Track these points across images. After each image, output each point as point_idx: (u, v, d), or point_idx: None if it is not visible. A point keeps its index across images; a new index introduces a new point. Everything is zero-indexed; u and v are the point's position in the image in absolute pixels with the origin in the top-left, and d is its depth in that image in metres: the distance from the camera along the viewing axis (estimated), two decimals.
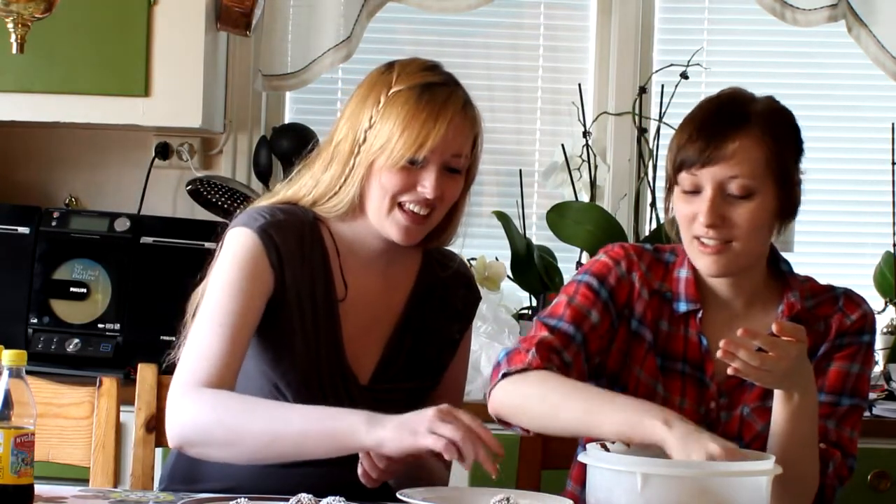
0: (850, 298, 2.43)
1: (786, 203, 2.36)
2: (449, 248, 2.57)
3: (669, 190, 2.39)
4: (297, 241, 2.39)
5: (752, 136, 2.31)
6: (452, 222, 2.49)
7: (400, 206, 2.36)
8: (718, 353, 2.12)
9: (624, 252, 2.43)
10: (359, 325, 2.42)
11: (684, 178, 2.32)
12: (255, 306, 2.33)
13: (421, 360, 2.47)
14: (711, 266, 2.32)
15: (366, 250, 2.44)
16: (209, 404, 2.25)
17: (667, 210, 2.43)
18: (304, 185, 2.44)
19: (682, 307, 2.39)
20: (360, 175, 2.37)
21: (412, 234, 2.38)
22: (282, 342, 2.38)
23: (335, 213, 2.41)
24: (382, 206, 2.37)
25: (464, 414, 2.14)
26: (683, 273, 2.40)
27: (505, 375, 2.31)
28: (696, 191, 2.32)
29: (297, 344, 2.37)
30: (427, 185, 2.34)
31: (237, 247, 2.36)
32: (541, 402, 2.25)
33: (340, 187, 2.39)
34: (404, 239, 2.37)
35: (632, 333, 2.39)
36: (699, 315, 2.38)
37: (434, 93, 2.35)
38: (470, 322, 2.57)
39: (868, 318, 2.42)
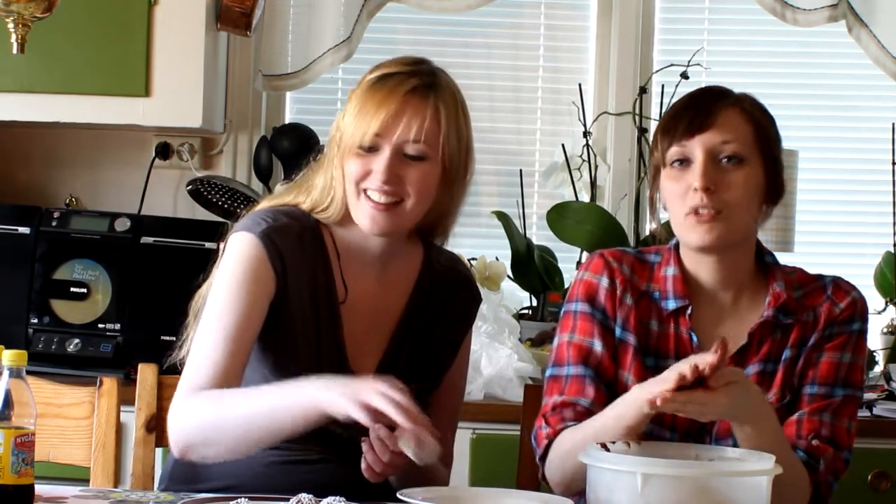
0: (838, 286, 2.43)
1: (772, 183, 2.39)
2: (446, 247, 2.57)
3: (654, 180, 2.41)
4: (299, 245, 2.39)
5: (737, 109, 2.38)
6: (446, 217, 2.48)
7: (365, 193, 2.37)
8: (647, 408, 2.15)
9: (603, 262, 2.45)
10: (359, 326, 2.43)
11: (674, 152, 2.36)
12: (257, 310, 2.34)
13: (422, 361, 2.48)
14: (705, 235, 2.33)
15: (364, 252, 2.44)
16: (194, 408, 2.27)
17: (652, 201, 2.44)
18: (302, 190, 2.46)
19: (671, 305, 2.39)
20: (340, 173, 2.39)
21: (379, 223, 2.37)
22: (284, 345, 2.38)
23: (332, 220, 2.42)
24: (352, 197, 2.39)
25: (403, 396, 2.12)
26: (671, 271, 2.41)
27: (542, 460, 2.38)
28: (686, 163, 2.34)
29: (299, 347, 2.38)
30: (376, 170, 2.34)
31: (240, 251, 2.37)
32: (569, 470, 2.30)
33: (331, 192, 2.41)
34: (371, 228, 2.37)
35: (617, 340, 2.41)
36: (688, 312, 2.39)
37: (386, 81, 2.37)
38: (471, 324, 2.57)
39: (857, 305, 2.42)
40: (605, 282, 2.43)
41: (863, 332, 2.42)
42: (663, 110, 3.88)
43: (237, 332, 2.31)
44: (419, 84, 2.37)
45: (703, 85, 3.91)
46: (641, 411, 2.20)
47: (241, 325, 2.32)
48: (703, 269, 2.40)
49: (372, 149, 2.35)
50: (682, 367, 2.13)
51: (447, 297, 2.52)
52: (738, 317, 2.40)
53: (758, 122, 2.38)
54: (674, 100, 3.79)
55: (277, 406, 2.22)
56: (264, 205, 2.48)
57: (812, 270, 2.50)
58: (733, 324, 2.39)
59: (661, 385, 2.14)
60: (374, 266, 2.46)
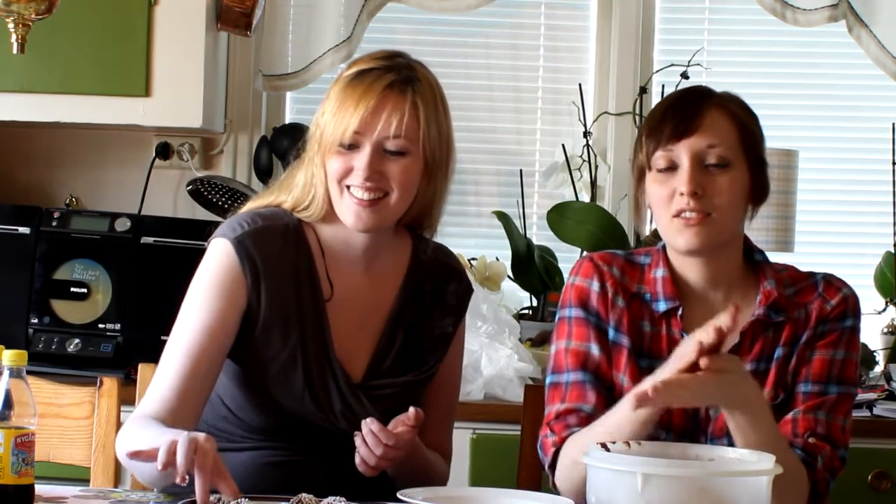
0: (829, 283, 2.43)
1: (757, 183, 2.39)
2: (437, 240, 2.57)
3: (639, 182, 2.41)
4: (279, 246, 2.40)
5: (721, 111, 2.37)
6: (430, 210, 2.48)
7: (348, 189, 2.37)
8: (633, 410, 2.14)
9: (593, 266, 2.45)
10: (348, 323, 2.43)
11: (659, 156, 2.35)
12: (224, 325, 2.35)
13: (413, 355, 2.47)
14: (693, 239, 2.33)
15: (350, 249, 2.44)
16: (121, 436, 2.31)
17: (637, 205, 2.44)
18: (284, 189, 2.47)
19: (662, 306, 2.40)
20: (321, 170, 2.39)
21: (363, 220, 2.37)
22: (250, 357, 2.39)
23: (315, 218, 2.42)
24: (336, 195, 2.39)
25: (208, 456, 2.05)
26: (660, 273, 2.41)
27: (551, 469, 2.37)
28: (672, 168, 2.34)
29: (278, 349, 2.38)
30: (359, 167, 2.35)
31: (212, 261, 2.40)
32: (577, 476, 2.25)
33: (312, 190, 2.42)
34: (356, 224, 2.38)
35: (611, 343, 2.41)
36: (679, 312, 2.39)
37: (363, 77, 2.37)
38: (463, 315, 2.56)
39: (849, 302, 2.41)
40: (595, 285, 2.43)
41: (855, 329, 2.42)
42: None
43: (199, 348, 2.33)
44: (396, 79, 2.37)
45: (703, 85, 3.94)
46: (646, 411, 2.20)
47: (204, 341, 2.34)
48: (690, 270, 2.40)
49: (352, 146, 2.36)
50: (685, 350, 2.14)
51: (437, 289, 2.52)
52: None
53: (742, 123, 2.37)
54: None
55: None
56: (248, 206, 2.49)
57: (812, 270, 2.50)
58: None
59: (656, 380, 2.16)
60: (360, 262, 2.46)
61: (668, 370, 2.17)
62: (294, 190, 2.44)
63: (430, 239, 2.54)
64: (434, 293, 2.51)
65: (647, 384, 2.14)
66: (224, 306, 2.36)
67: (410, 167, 2.37)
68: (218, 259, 2.39)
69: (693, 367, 2.14)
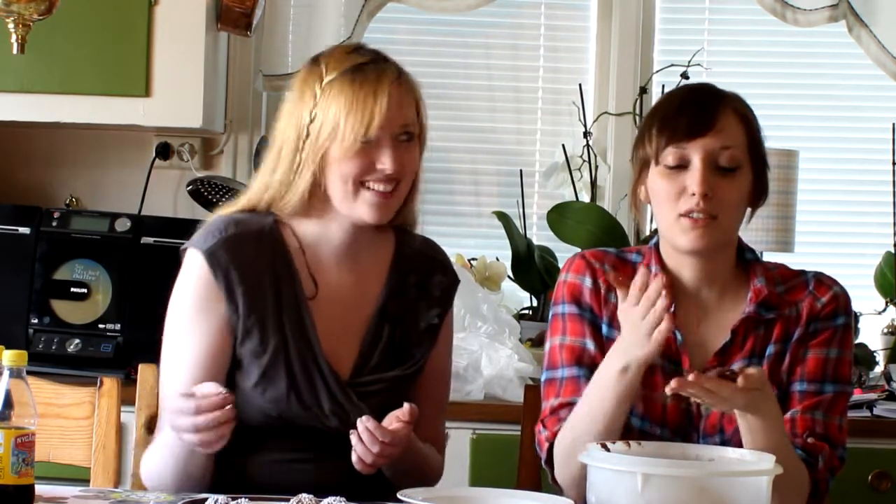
0: (820, 281, 2.43)
1: (759, 185, 2.40)
2: (429, 237, 2.58)
3: (640, 174, 2.40)
4: (254, 249, 2.40)
5: (733, 112, 2.37)
6: (413, 197, 2.49)
7: (364, 185, 2.37)
8: (668, 390, 2.16)
9: (585, 263, 2.45)
10: (334, 320, 2.43)
11: (670, 152, 2.34)
12: (216, 350, 2.38)
13: (400, 349, 2.47)
14: (698, 240, 2.33)
15: (331, 245, 2.44)
16: (146, 458, 2.40)
17: (634, 202, 2.43)
18: (256, 190, 2.46)
19: None
20: (310, 169, 2.38)
21: (382, 211, 2.39)
22: (242, 353, 2.39)
23: (290, 210, 2.42)
24: (347, 192, 2.38)
25: (184, 415, 2.20)
26: (652, 270, 2.41)
27: (548, 465, 2.39)
28: (682, 165, 2.33)
29: (259, 353, 2.38)
30: (386, 162, 2.36)
31: (188, 277, 2.41)
32: (575, 467, 2.27)
33: (291, 185, 2.41)
34: (376, 217, 2.39)
35: (605, 339, 2.41)
36: (671, 310, 2.38)
37: (366, 72, 2.37)
38: (449, 307, 2.55)
39: (840, 300, 2.41)
40: (588, 282, 2.43)
41: (848, 326, 2.42)
42: None
43: (193, 368, 2.37)
44: (395, 70, 2.40)
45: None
46: (620, 381, 2.24)
47: (199, 375, 2.36)
48: (685, 268, 2.40)
49: (370, 141, 2.36)
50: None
51: (422, 281, 2.52)
52: (721, 314, 2.40)
53: (750, 125, 2.38)
54: None
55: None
56: (221, 212, 2.48)
57: (804, 269, 2.50)
58: (717, 321, 2.40)
59: (642, 347, 2.21)
60: (342, 258, 2.45)
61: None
62: (270, 189, 2.43)
63: (415, 234, 2.54)
64: (419, 285, 2.51)
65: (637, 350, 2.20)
66: (210, 329, 2.38)
67: (415, 152, 2.42)
68: (194, 275, 2.40)
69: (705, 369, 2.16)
